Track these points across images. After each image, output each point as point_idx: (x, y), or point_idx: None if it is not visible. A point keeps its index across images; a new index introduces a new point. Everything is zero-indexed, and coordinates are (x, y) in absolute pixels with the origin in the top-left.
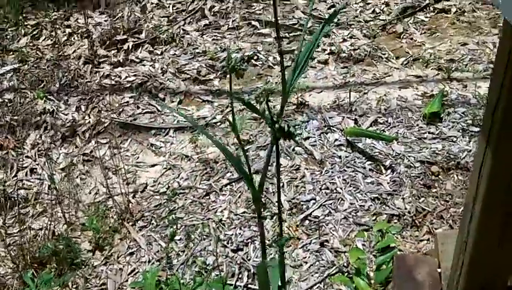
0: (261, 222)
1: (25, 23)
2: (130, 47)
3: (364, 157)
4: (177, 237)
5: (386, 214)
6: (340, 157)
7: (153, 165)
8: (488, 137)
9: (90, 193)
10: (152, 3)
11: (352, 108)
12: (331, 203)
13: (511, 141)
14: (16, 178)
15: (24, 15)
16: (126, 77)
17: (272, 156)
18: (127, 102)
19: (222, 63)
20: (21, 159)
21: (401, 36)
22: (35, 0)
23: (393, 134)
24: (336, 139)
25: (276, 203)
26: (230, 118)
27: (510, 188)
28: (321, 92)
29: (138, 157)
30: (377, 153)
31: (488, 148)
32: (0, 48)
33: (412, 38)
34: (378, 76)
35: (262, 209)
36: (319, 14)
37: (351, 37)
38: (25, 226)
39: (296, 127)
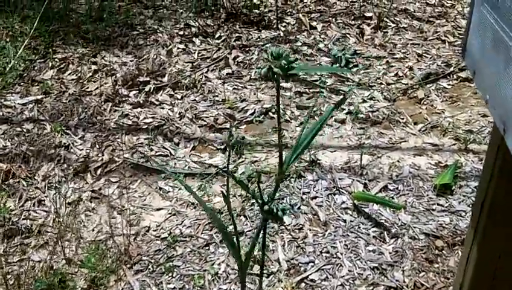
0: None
1: (53, 56)
2: (152, 89)
3: (369, 224)
4: (171, 286)
5: (383, 285)
6: (345, 221)
7: (159, 209)
8: (476, 225)
9: (93, 230)
10: (178, 48)
11: (363, 171)
12: (329, 268)
13: (497, 231)
14: (23, 208)
15: (53, 48)
16: (144, 118)
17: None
18: (142, 143)
19: (223, 135)
20: (31, 190)
21: (422, 102)
22: (66, 35)
23: (402, 202)
24: (343, 202)
25: (274, 261)
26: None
27: (496, 277)
28: (334, 151)
29: (145, 200)
30: (383, 221)
31: (475, 237)
32: (26, 78)
33: (432, 105)
34: (394, 141)
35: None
36: (342, 73)
37: (371, 99)
38: (25, 257)
39: (285, 211)
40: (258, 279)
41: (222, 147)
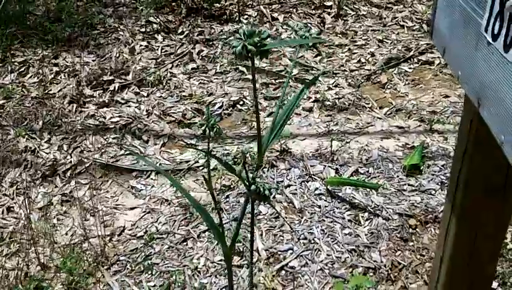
0: (231, 275)
1: (12, 60)
2: (117, 88)
3: (343, 208)
4: (151, 284)
5: (362, 266)
6: (319, 207)
7: (132, 208)
8: (453, 199)
9: (66, 234)
10: (141, 46)
11: (334, 157)
12: (308, 254)
13: (474, 203)
14: None
15: (12, 52)
16: (111, 117)
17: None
18: (110, 143)
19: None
20: None
21: (385, 86)
22: (24, 37)
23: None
24: (317, 188)
25: (253, 251)
26: (214, 162)
27: (475, 247)
28: (304, 139)
29: (117, 200)
30: (356, 204)
31: (453, 211)
32: None
33: (395, 89)
34: (361, 125)
35: (239, 258)
36: (306, 62)
37: (336, 86)
38: None
39: (271, 190)
40: (238, 270)
41: (192, 141)
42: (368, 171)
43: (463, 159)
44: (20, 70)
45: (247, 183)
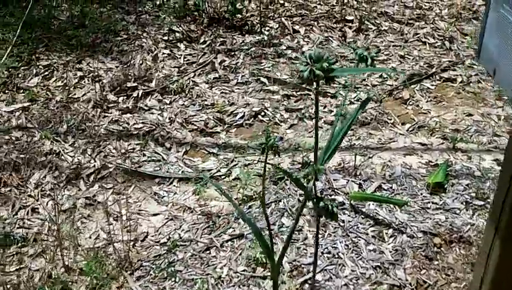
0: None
1: (38, 63)
2: (140, 94)
3: (367, 223)
4: None
5: (387, 284)
6: (343, 221)
7: (155, 215)
8: (497, 223)
9: (90, 237)
10: (164, 54)
11: (357, 172)
12: (332, 269)
13: None
14: (16, 216)
15: (37, 55)
16: (134, 123)
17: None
18: (133, 149)
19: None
20: (24, 198)
21: (407, 102)
22: (49, 41)
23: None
24: (340, 203)
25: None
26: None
27: None
28: None
29: (140, 205)
30: (380, 220)
31: (496, 234)
32: (11, 86)
33: (418, 106)
34: (384, 141)
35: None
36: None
37: (357, 100)
38: (22, 266)
39: (338, 208)
40: (262, 281)
41: (214, 150)
42: (391, 188)
43: (510, 183)
44: (44, 73)
45: (315, 200)
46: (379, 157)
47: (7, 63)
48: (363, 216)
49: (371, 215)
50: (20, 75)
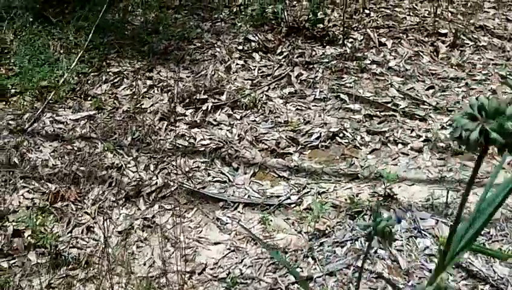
0: None
1: (108, 70)
2: (209, 108)
3: (459, 275)
4: None
5: None
6: (430, 271)
7: (216, 243)
8: None
9: (145, 264)
10: (237, 64)
11: (449, 211)
12: None
13: None
14: (70, 234)
15: (108, 61)
16: (201, 139)
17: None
18: (198, 167)
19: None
20: (80, 215)
21: None
22: (121, 47)
23: (496, 249)
24: (427, 247)
25: None
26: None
27: None
28: (412, 185)
29: (201, 231)
30: (475, 272)
31: None
32: (79, 92)
33: None
34: (480, 175)
35: None
36: (416, 95)
37: (450, 125)
38: None
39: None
40: None
41: (285, 174)
42: (488, 233)
43: None
44: (114, 81)
45: None
46: (474, 193)
47: (77, 69)
48: (454, 266)
49: (463, 265)
50: (89, 82)
